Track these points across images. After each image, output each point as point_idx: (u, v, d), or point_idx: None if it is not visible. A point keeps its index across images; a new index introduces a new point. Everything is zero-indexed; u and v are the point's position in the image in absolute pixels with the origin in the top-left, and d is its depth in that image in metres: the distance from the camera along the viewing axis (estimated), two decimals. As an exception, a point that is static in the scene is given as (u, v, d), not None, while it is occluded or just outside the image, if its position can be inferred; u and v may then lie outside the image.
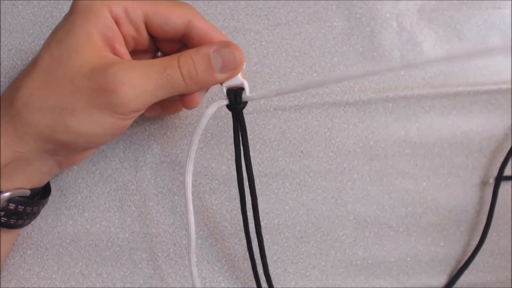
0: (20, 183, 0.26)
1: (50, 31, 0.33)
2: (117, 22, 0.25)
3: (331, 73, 0.35)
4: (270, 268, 0.33)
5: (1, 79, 0.33)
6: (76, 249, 0.33)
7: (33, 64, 0.25)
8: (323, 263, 0.33)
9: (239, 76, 0.27)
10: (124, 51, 0.26)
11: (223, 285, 0.33)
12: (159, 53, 0.30)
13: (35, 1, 0.34)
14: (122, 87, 0.23)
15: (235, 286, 0.33)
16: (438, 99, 0.35)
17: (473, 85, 0.35)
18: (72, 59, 0.24)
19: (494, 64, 0.36)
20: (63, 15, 0.34)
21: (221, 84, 0.27)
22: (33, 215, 0.29)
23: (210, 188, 0.33)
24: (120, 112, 0.24)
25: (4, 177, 0.25)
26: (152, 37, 0.28)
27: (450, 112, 0.35)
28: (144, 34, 0.27)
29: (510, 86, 0.35)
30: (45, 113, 0.24)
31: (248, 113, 0.33)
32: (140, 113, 0.26)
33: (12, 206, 0.26)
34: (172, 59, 0.25)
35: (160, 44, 0.29)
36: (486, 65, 0.35)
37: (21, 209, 0.27)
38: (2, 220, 0.26)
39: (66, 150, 0.27)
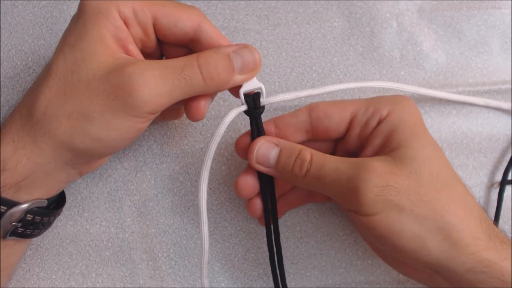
0: (38, 194, 0.26)
1: (50, 31, 0.34)
2: (125, 23, 0.25)
3: (331, 73, 0.35)
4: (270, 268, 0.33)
5: (1, 79, 0.33)
6: (76, 249, 0.33)
7: (48, 70, 0.25)
8: (323, 263, 0.33)
9: (255, 79, 0.27)
10: (137, 51, 0.26)
11: (223, 285, 0.33)
12: (164, 58, 0.30)
13: (35, 1, 0.34)
14: (137, 88, 0.23)
15: (235, 286, 0.33)
16: (438, 99, 0.35)
17: (473, 85, 0.35)
18: (87, 63, 0.24)
19: (494, 64, 0.36)
20: (63, 15, 0.34)
21: (230, 90, 0.27)
22: (48, 224, 0.29)
23: (210, 188, 0.33)
24: (136, 114, 0.24)
25: (24, 190, 0.25)
26: (158, 41, 0.27)
27: (450, 112, 0.35)
28: (152, 37, 0.26)
29: (510, 86, 0.35)
30: (62, 120, 0.24)
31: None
32: (156, 115, 0.26)
33: (29, 217, 0.26)
34: (190, 59, 0.25)
35: (166, 48, 0.28)
36: (486, 65, 0.35)
37: (38, 220, 0.27)
38: (19, 231, 0.26)
39: (84, 158, 0.26)
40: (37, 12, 0.34)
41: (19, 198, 0.25)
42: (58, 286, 0.32)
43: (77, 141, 0.24)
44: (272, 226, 0.30)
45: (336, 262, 0.33)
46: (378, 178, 0.24)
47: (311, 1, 0.35)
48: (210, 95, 0.27)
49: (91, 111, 0.24)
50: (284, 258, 0.33)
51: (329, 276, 0.33)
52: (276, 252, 0.30)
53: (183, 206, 0.33)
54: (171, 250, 0.33)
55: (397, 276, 0.33)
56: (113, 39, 0.24)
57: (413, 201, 0.24)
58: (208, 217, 0.33)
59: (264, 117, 0.28)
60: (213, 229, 0.33)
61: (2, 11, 0.34)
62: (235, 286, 0.33)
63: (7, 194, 0.25)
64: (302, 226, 0.34)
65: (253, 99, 0.27)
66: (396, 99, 0.27)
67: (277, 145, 0.27)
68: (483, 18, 0.36)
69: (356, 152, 0.28)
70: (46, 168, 0.25)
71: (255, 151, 0.27)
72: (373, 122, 0.27)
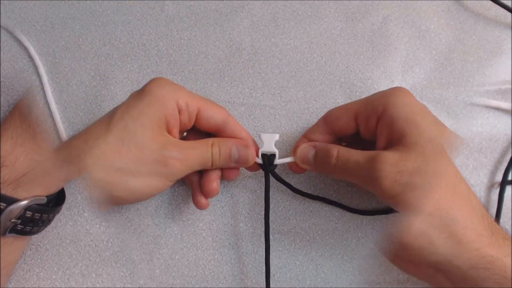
0: (37, 191, 0.29)
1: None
2: (179, 111, 0.31)
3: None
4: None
5: (1, 79, 0.37)
6: (76, 250, 0.34)
7: (107, 129, 0.29)
8: (322, 264, 0.36)
9: (273, 145, 0.33)
10: (177, 134, 0.32)
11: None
12: (185, 133, 0.35)
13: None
14: (176, 161, 0.30)
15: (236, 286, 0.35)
16: (437, 99, 0.37)
17: (473, 85, 0.38)
18: (145, 135, 0.29)
19: (493, 64, 0.39)
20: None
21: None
22: (48, 222, 0.31)
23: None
24: (170, 179, 0.30)
25: (22, 187, 0.27)
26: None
27: (450, 113, 0.37)
28: (192, 123, 0.33)
29: (510, 86, 0.37)
30: (111, 172, 0.28)
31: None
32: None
33: (29, 214, 0.28)
34: (209, 143, 0.32)
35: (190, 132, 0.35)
36: (485, 65, 0.39)
37: (37, 217, 0.29)
38: (18, 228, 0.28)
39: (113, 203, 0.31)
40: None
41: (18, 195, 0.27)
42: (58, 286, 0.33)
43: (117, 191, 0.29)
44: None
45: (336, 263, 0.36)
46: (390, 167, 0.27)
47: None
48: (219, 177, 0.34)
49: (140, 170, 0.29)
50: (282, 259, 0.36)
51: (329, 277, 0.36)
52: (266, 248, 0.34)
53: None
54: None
55: (397, 276, 0.35)
56: (165, 123, 0.30)
57: (424, 176, 0.26)
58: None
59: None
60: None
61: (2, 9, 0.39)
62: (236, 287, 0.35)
63: (6, 191, 0.27)
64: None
65: (268, 158, 0.34)
66: (388, 93, 0.31)
67: (315, 147, 0.33)
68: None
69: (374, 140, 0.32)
70: (44, 166, 0.28)
71: (297, 154, 0.33)
72: (373, 120, 0.30)
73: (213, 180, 0.34)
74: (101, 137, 0.29)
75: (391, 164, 0.27)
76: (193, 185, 0.35)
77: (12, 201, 0.27)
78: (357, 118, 0.32)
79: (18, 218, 0.27)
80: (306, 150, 0.33)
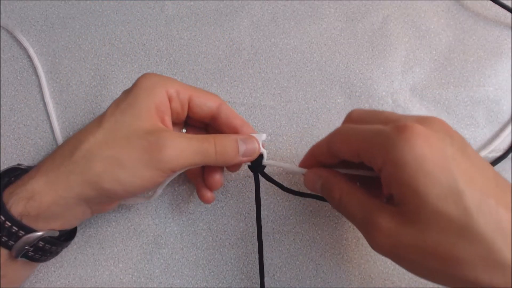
0: (54, 225, 0.30)
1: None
2: (169, 99, 0.32)
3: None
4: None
5: (1, 80, 0.38)
6: (76, 249, 0.35)
7: (98, 126, 0.30)
8: (319, 267, 0.36)
9: (261, 146, 0.33)
10: (169, 123, 0.32)
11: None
12: (184, 130, 0.36)
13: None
14: (166, 148, 0.29)
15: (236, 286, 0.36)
16: (438, 100, 0.38)
17: (473, 85, 0.39)
18: (133, 124, 0.30)
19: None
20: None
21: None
22: (55, 253, 0.33)
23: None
24: (160, 168, 0.29)
25: (43, 219, 0.29)
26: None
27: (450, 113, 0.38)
28: (185, 112, 0.33)
29: (510, 87, 0.39)
30: (98, 162, 0.29)
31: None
32: (174, 175, 0.31)
33: (41, 243, 0.30)
34: (209, 137, 0.31)
35: (188, 128, 0.36)
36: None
37: (47, 247, 0.31)
38: (30, 254, 0.30)
39: (104, 198, 0.31)
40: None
41: (37, 225, 0.29)
42: (58, 286, 0.35)
43: (105, 182, 0.29)
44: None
45: (336, 263, 0.36)
46: (385, 239, 0.25)
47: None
48: (221, 169, 0.34)
49: (125, 159, 0.29)
50: (282, 259, 0.37)
51: (329, 277, 0.36)
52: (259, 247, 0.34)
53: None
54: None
55: (397, 276, 0.35)
56: (155, 111, 0.31)
57: (423, 255, 0.24)
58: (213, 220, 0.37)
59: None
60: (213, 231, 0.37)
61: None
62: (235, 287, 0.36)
63: (28, 221, 0.29)
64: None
65: (255, 159, 0.33)
66: (390, 141, 0.25)
67: (320, 178, 0.31)
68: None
69: None
70: (68, 202, 0.29)
71: (305, 182, 0.33)
72: (375, 169, 0.26)
73: (216, 172, 0.34)
74: (92, 133, 0.30)
75: (384, 235, 0.25)
76: (196, 180, 0.35)
77: (30, 230, 0.29)
78: (361, 158, 0.28)
79: (31, 246, 0.29)
80: (313, 179, 0.32)
